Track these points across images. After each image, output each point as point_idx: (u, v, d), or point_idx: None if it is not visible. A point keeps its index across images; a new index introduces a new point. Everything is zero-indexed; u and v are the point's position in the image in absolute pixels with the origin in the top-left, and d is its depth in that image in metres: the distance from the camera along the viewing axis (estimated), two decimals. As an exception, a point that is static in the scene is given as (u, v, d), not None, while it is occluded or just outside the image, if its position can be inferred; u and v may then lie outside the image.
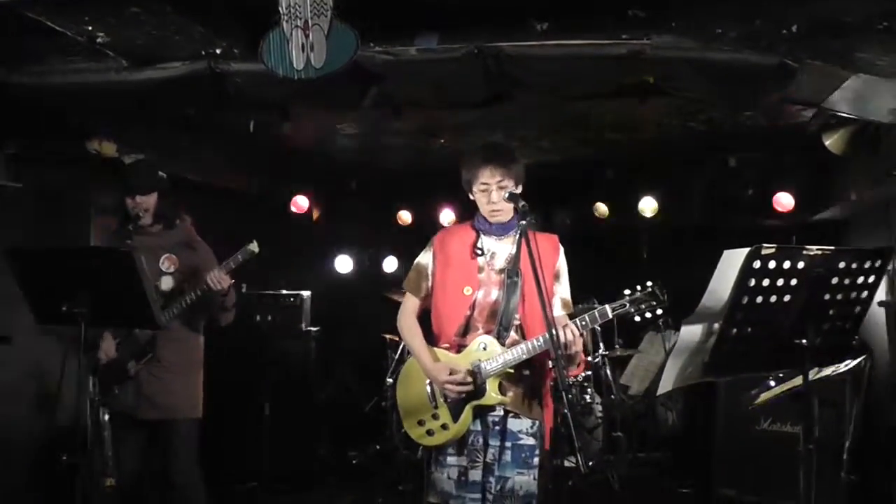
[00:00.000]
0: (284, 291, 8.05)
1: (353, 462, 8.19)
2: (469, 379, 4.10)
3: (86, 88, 5.07)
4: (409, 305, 4.47)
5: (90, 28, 4.28)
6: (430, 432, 4.23)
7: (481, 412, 4.14)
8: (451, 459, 4.20)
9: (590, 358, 7.46)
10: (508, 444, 4.11)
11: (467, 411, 4.12)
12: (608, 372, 7.59)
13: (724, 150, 7.65)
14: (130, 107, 5.59)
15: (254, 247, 4.84)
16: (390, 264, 9.79)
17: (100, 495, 5.22)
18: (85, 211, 6.55)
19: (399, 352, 7.65)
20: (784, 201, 7.60)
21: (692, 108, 6.10)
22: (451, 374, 4.13)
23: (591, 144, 7.42)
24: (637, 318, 4.01)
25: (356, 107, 5.42)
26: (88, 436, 4.77)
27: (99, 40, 4.42)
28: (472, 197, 4.28)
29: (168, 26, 4.28)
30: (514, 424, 4.14)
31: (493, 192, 4.12)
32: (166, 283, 5.07)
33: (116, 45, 4.53)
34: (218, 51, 4.61)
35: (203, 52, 4.65)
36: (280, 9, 3.69)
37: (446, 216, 8.86)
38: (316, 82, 4.01)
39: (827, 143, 5.98)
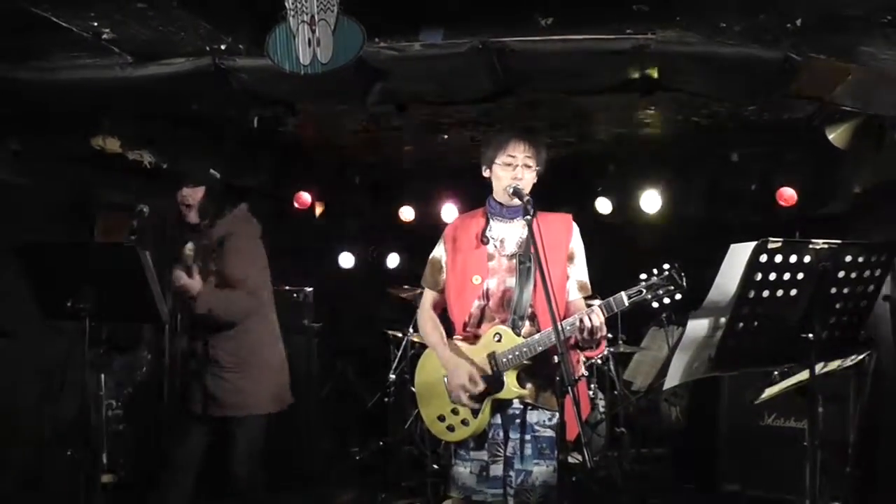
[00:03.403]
0: (287, 287, 8.04)
1: (356, 458, 8.19)
2: (482, 388, 4.10)
3: (91, 84, 5.07)
4: (428, 300, 4.47)
5: (96, 24, 4.28)
6: (450, 428, 4.22)
7: (501, 406, 4.13)
8: (472, 454, 4.19)
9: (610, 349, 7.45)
10: (528, 436, 4.09)
11: (486, 406, 4.11)
12: (611, 367, 7.59)
13: (727, 145, 7.64)
14: (135, 103, 5.60)
15: (188, 249, 4.86)
16: (393, 260, 9.80)
17: (98, 491, 5.21)
18: (89, 207, 6.56)
19: (402, 348, 7.66)
20: (787, 196, 7.57)
21: (695, 103, 6.09)
22: (470, 379, 4.13)
23: (595, 139, 7.42)
24: (655, 304, 3.87)
25: (361, 102, 5.42)
26: (91, 431, 4.77)
27: (104, 36, 4.42)
28: (487, 175, 4.25)
29: (173, 22, 4.28)
30: (532, 416, 4.12)
31: (519, 168, 4.10)
32: (197, 287, 4.99)
33: (122, 40, 4.53)
34: (223, 46, 4.61)
35: (208, 48, 4.65)
36: (286, 4, 3.69)
37: (449, 212, 8.85)
38: (320, 78, 4.01)
39: (830, 137, 5.97)
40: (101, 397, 4.77)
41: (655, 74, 5.07)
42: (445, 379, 4.24)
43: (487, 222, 4.28)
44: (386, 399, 7.80)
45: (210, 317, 4.93)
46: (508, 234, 4.24)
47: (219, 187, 5.18)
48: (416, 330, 7.36)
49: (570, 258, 4.24)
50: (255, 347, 5.14)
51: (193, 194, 5.05)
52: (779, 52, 4.48)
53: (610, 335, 7.35)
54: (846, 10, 4.10)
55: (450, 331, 4.37)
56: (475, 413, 4.13)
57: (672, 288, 3.85)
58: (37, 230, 5.76)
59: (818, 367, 3.52)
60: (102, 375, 4.70)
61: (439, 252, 4.42)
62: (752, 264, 3.17)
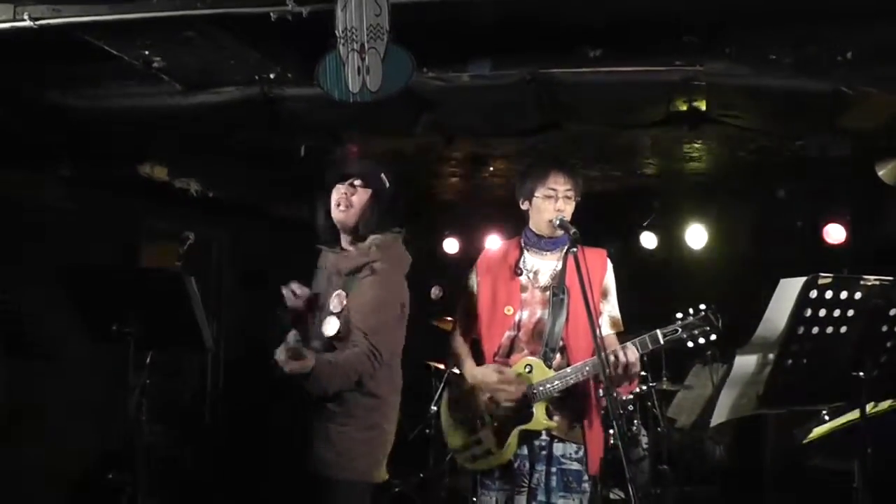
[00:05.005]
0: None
1: (396, 490, 8.14)
2: (519, 385, 4.06)
3: (140, 112, 5.13)
4: (460, 328, 4.46)
5: (146, 52, 4.33)
6: (475, 457, 4.19)
7: (527, 437, 4.10)
8: (497, 483, 4.17)
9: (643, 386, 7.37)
10: (554, 469, 4.06)
11: (513, 437, 4.08)
12: (655, 404, 7.49)
13: (774, 180, 7.57)
14: (184, 131, 5.65)
15: (330, 328, 3.96)
16: (436, 292, 9.76)
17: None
18: (135, 233, 6.62)
19: (444, 380, 7.61)
20: (835, 233, 7.49)
21: (742, 138, 6.04)
22: (502, 377, 4.09)
23: (640, 173, 7.39)
24: (690, 344, 3.86)
25: (408, 133, 5.43)
26: (133, 456, 4.76)
27: (155, 65, 4.47)
28: (525, 207, 4.24)
29: (223, 51, 4.32)
30: (558, 449, 4.09)
31: (560, 201, 4.09)
32: (330, 328, 4.01)
33: (172, 69, 4.57)
34: (272, 75, 4.65)
35: (257, 77, 4.69)
36: (336, 33, 3.71)
37: (493, 244, 8.81)
38: (368, 108, 4.02)
39: (880, 173, 5.90)
40: (144, 422, 4.72)
41: (703, 107, 5.04)
42: (473, 410, 4.22)
43: (521, 253, 4.28)
44: (427, 431, 7.76)
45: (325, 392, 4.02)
46: (542, 266, 4.23)
47: (387, 198, 4.22)
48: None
49: (604, 294, 4.24)
50: (374, 407, 4.21)
51: (359, 195, 4.14)
52: (829, 84, 4.43)
53: (644, 373, 7.28)
54: (899, 41, 4.06)
55: (479, 360, 4.34)
56: (501, 443, 4.10)
57: (707, 328, 3.86)
58: (83, 255, 5.81)
59: (869, 407, 3.44)
60: (145, 400, 4.67)
61: (472, 282, 4.41)
62: (802, 300, 3.10)
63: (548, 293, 4.14)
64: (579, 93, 4.75)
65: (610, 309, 4.25)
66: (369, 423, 4.15)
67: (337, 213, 4.14)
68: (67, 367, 5.66)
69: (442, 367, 7.63)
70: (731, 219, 8.23)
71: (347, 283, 4.09)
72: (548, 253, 4.22)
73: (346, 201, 4.11)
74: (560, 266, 4.10)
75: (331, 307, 4.05)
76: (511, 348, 4.21)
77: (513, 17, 4.04)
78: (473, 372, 4.25)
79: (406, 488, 8.02)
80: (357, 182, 4.14)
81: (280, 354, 3.76)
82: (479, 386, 4.21)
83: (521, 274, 4.22)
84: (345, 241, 4.22)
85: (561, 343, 4.11)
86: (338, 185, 4.15)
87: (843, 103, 4.57)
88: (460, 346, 4.43)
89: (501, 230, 8.65)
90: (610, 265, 4.28)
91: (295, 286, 4.07)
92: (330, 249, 4.26)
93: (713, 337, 3.85)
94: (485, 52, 4.44)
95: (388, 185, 4.21)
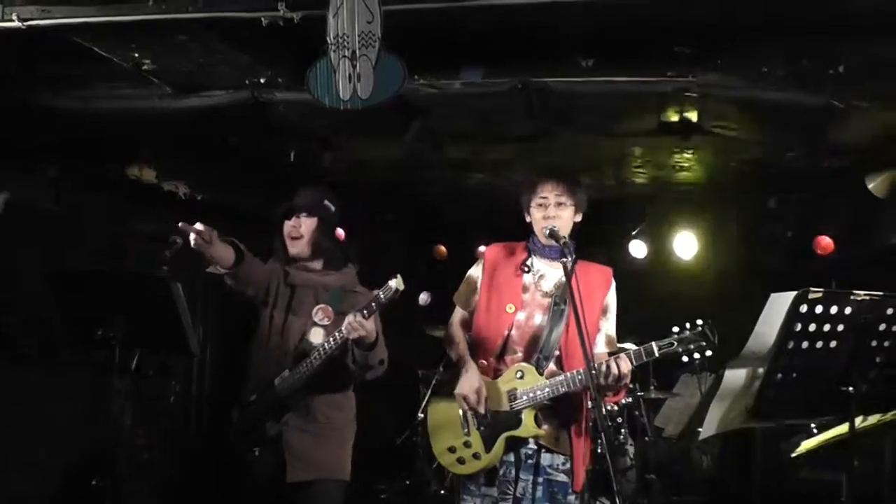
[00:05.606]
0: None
1: (381, 496, 8.11)
2: (482, 409, 4.02)
3: (129, 114, 5.10)
4: (458, 317, 4.41)
5: (137, 55, 4.31)
6: (461, 460, 4.14)
7: (514, 444, 4.06)
8: (482, 489, 4.12)
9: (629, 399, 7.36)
10: (540, 479, 4.03)
11: (500, 442, 4.04)
12: (643, 413, 7.48)
13: (765, 191, 7.57)
14: (173, 134, 5.62)
15: (396, 283, 4.05)
16: (424, 299, 9.73)
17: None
18: (122, 235, 6.58)
19: (431, 387, 7.60)
20: (824, 244, 7.50)
21: (734, 148, 6.04)
22: (476, 393, 4.04)
23: (631, 183, 7.38)
24: (685, 358, 3.85)
25: (398, 139, 5.41)
26: (116, 461, 4.72)
27: (145, 67, 4.44)
28: (528, 219, 4.23)
29: (214, 55, 4.30)
30: (545, 459, 4.06)
31: (551, 208, 4.07)
32: (316, 337, 4.35)
33: (162, 72, 4.55)
34: (262, 80, 4.62)
35: (247, 81, 4.66)
36: (328, 39, 3.68)
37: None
38: (359, 114, 4.00)
39: (870, 185, 5.91)
40: (128, 427, 4.68)
41: (695, 118, 5.04)
42: (461, 412, 4.17)
43: (529, 255, 4.25)
44: (414, 438, 7.74)
45: (372, 372, 4.50)
46: (549, 272, 4.20)
47: (334, 222, 4.66)
48: (446, 368, 7.31)
49: (604, 311, 4.20)
50: (352, 407, 4.74)
51: (306, 224, 4.52)
52: (821, 97, 4.43)
53: (631, 385, 7.26)
54: (891, 56, 4.06)
55: (472, 357, 4.29)
56: (488, 447, 4.06)
57: (703, 344, 3.84)
58: (70, 258, 5.78)
59: (857, 421, 3.43)
60: (129, 404, 4.63)
61: (477, 271, 4.37)
62: (792, 314, 3.09)
63: (549, 300, 4.11)
64: (571, 101, 4.74)
65: (608, 327, 4.22)
66: (335, 425, 4.56)
67: (291, 247, 4.56)
68: (52, 371, 5.63)
69: (430, 374, 7.61)
70: (722, 229, 8.23)
71: (331, 299, 4.50)
72: (554, 261, 4.18)
73: (296, 233, 4.53)
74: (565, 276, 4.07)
75: (315, 319, 4.43)
76: (504, 348, 4.17)
77: (505, 25, 4.03)
78: (468, 365, 4.18)
79: (391, 495, 8.00)
80: (302, 214, 4.54)
81: (353, 317, 4.06)
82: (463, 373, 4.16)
83: (527, 272, 4.19)
84: (315, 262, 4.61)
85: (556, 352, 4.08)
86: (286, 222, 4.57)
87: (834, 116, 4.57)
88: (456, 335, 4.37)
89: (492, 236, 8.61)
90: (613, 284, 4.25)
91: (198, 226, 4.15)
92: (300, 269, 4.60)
93: (709, 353, 3.83)
94: (477, 59, 4.42)
95: (332, 209, 4.64)
